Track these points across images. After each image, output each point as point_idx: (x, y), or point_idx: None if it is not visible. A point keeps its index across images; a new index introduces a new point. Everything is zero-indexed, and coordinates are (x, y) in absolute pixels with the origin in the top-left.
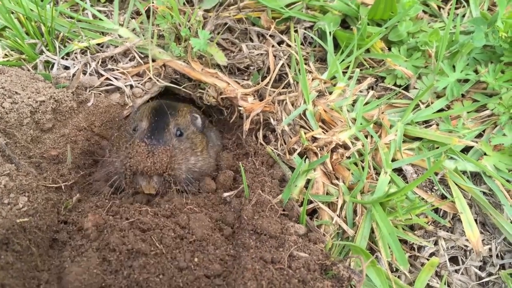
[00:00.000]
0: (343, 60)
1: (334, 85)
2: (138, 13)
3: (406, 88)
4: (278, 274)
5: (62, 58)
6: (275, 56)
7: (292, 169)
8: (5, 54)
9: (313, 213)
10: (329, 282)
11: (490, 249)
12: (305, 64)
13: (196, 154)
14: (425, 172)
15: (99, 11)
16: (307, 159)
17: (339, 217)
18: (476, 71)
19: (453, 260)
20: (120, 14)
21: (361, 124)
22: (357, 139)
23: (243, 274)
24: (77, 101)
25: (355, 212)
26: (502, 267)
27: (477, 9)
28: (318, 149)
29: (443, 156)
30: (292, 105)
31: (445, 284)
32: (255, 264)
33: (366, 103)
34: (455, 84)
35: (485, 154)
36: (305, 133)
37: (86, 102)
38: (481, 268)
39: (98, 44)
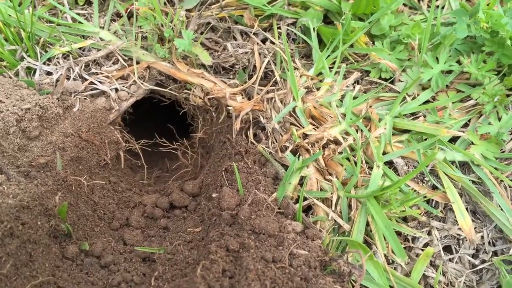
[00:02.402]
0: (329, 55)
1: (321, 81)
2: (118, 14)
3: (391, 81)
4: (280, 273)
5: (44, 63)
6: (259, 54)
7: (284, 166)
8: None
9: (308, 209)
10: (330, 278)
11: (482, 237)
12: (291, 61)
13: None
14: (416, 164)
15: (78, 14)
16: (300, 156)
17: (334, 212)
18: (458, 62)
19: (447, 249)
20: (100, 17)
21: (351, 119)
22: (347, 134)
23: (246, 275)
24: (62, 107)
25: (349, 206)
26: (495, 253)
27: (456, 1)
28: (310, 145)
29: (436, 148)
30: (281, 102)
31: (440, 273)
32: (257, 264)
33: (354, 98)
34: (439, 75)
35: (472, 143)
36: (296, 130)
37: (72, 108)
38: (474, 256)
39: (80, 48)
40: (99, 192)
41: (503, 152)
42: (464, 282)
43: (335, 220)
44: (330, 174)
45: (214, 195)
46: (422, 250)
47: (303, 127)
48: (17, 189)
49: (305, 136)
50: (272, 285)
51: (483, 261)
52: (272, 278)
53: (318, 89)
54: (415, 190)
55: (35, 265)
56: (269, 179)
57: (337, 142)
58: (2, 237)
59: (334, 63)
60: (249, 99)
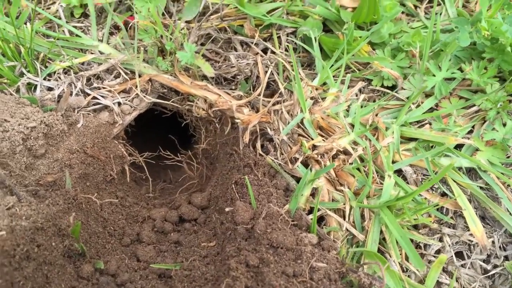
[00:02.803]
0: (332, 65)
1: (325, 91)
2: (116, 27)
3: (392, 88)
4: None
5: (44, 79)
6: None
7: (294, 178)
8: None
9: (320, 220)
10: None
11: (492, 242)
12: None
13: None
14: (425, 171)
15: (75, 27)
16: (312, 168)
17: (347, 223)
18: (460, 69)
19: (458, 255)
20: (98, 30)
21: (359, 129)
22: (355, 143)
23: None
24: (67, 124)
25: (362, 216)
26: (506, 258)
27: (453, 7)
28: (319, 156)
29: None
30: (288, 113)
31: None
32: (279, 279)
33: (361, 107)
34: (442, 83)
35: (478, 149)
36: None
37: (76, 124)
38: (485, 261)
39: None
40: (108, 208)
41: (508, 157)
42: None
43: (348, 230)
44: (341, 185)
45: (227, 209)
46: (435, 256)
47: (312, 138)
48: (29, 210)
49: (314, 147)
50: None
51: (495, 266)
52: None
53: (323, 99)
54: (425, 198)
55: (51, 286)
56: (280, 191)
57: (346, 153)
58: (19, 260)
59: (337, 71)
60: (253, 109)
